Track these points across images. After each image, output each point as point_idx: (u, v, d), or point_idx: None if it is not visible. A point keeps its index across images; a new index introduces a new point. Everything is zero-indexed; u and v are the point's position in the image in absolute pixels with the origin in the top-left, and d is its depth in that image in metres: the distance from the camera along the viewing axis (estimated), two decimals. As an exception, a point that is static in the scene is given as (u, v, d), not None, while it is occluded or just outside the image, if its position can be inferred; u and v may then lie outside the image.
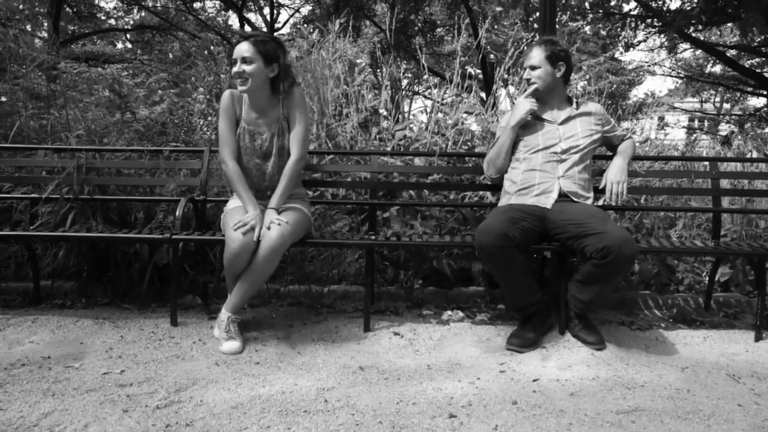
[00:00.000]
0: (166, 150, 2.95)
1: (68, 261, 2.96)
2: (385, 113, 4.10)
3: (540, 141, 2.49)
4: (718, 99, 20.41)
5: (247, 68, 2.27)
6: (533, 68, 2.51)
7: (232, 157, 2.37)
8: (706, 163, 2.97)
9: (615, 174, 2.47)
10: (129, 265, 2.89)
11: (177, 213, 2.55)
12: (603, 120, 2.60)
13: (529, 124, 2.54)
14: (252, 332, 2.41)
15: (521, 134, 2.54)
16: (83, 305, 2.82)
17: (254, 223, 2.20)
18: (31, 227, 2.79)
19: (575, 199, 2.41)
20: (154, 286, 2.87)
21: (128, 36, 17.46)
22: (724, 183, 3.24)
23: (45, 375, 1.93)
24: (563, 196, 2.41)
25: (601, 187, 2.52)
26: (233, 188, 2.37)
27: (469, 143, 3.42)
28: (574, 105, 2.58)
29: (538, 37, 5.96)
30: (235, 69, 2.29)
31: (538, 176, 2.45)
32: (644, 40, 11.32)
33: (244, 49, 2.28)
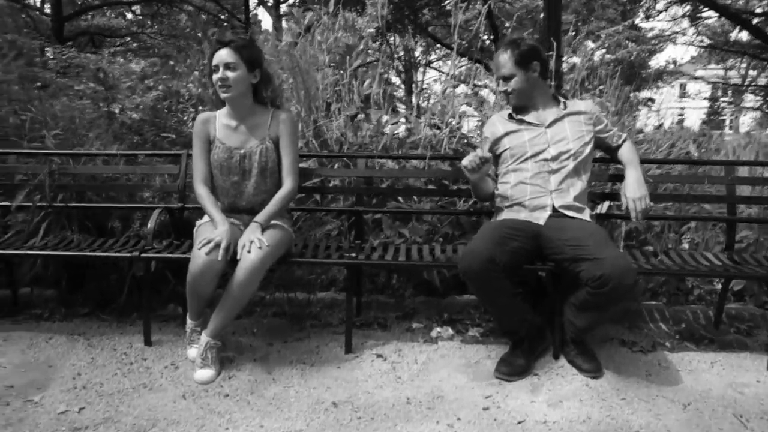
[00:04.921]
0: (141, 154, 2.79)
1: (47, 270, 2.87)
2: (400, 100, 3.84)
3: (528, 148, 2.26)
4: (743, 66, 19.46)
5: (231, 75, 2.16)
6: (506, 79, 2.27)
7: (201, 183, 2.30)
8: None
9: (634, 190, 2.19)
10: (107, 276, 2.78)
11: (149, 225, 2.42)
12: (594, 119, 2.33)
13: (514, 132, 2.32)
14: (228, 352, 2.30)
15: (507, 144, 2.32)
16: (62, 316, 2.72)
17: (219, 240, 2.06)
18: (5, 236, 2.68)
19: (571, 215, 2.21)
20: (134, 296, 2.77)
21: (133, 9, 17.18)
22: (742, 189, 2.97)
23: (2, 412, 1.84)
24: (557, 211, 2.21)
25: (623, 208, 2.23)
26: (204, 210, 2.27)
27: (465, 140, 3.20)
28: (562, 105, 2.33)
29: (546, 11, 5.62)
30: (217, 76, 2.17)
31: (530, 190, 2.23)
32: (664, 10, 10.74)
33: (226, 55, 2.16)
